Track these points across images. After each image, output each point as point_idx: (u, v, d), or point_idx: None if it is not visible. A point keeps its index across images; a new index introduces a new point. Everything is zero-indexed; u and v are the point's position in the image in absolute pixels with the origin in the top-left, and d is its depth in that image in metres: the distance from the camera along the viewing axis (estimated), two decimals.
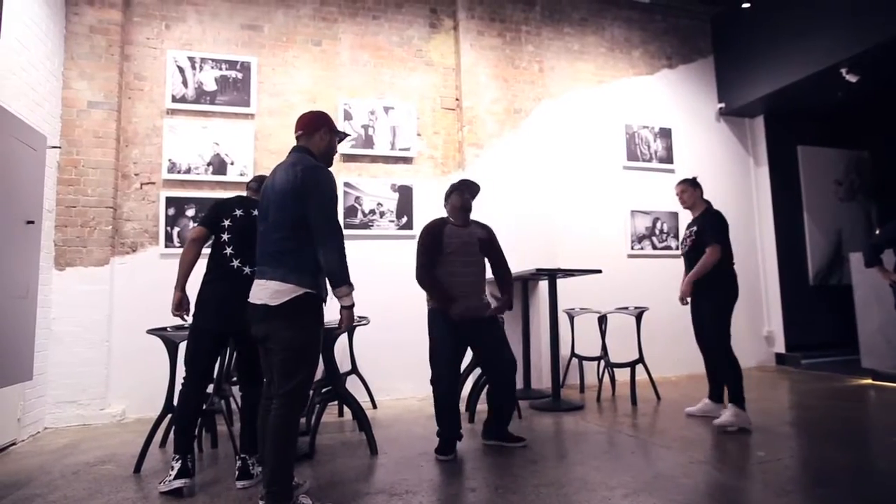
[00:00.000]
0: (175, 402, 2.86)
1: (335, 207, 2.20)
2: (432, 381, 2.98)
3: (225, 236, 2.66)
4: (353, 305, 2.19)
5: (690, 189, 3.77)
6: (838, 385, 4.84)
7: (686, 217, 4.14)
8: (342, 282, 2.12)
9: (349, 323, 2.20)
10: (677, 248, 4.07)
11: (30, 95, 3.63)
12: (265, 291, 2.13)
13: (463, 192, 3.13)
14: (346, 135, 2.50)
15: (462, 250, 3.02)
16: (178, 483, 2.40)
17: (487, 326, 3.04)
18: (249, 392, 2.66)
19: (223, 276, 2.62)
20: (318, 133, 2.33)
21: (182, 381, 2.59)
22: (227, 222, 2.68)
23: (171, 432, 3.18)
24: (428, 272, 3.00)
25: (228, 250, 2.64)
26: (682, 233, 4.52)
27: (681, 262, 3.95)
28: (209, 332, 2.59)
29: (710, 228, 3.57)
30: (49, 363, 3.85)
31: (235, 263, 2.62)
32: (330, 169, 2.28)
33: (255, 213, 2.67)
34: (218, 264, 2.65)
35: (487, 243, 3.15)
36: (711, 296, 3.55)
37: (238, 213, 2.71)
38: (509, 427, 3.15)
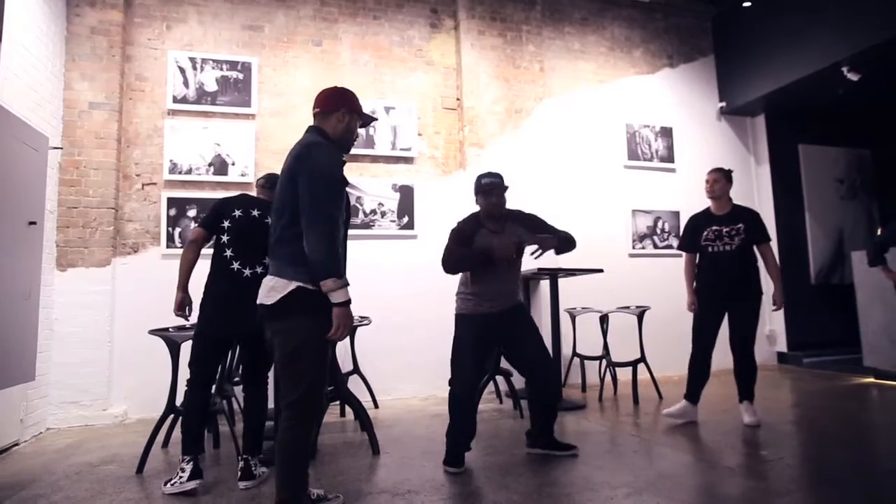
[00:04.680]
0: (177, 403, 2.88)
1: (327, 189, 1.90)
2: (449, 383, 2.79)
3: (224, 238, 2.66)
4: (346, 302, 1.87)
5: (724, 181, 3.62)
6: (840, 384, 4.84)
7: (688, 212, 4.08)
8: (327, 273, 1.83)
9: (343, 323, 1.86)
10: (677, 248, 3.98)
11: (31, 97, 3.63)
12: (263, 288, 1.97)
13: (489, 196, 2.82)
14: (372, 118, 2.27)
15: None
16: (192, 484, 2.41)
17: (519, 320, 2.83)
18: (252, 393, 2.66)
19: (225, 280, 2.62)
20: (335, 114, 2.08)
21: (186, 382, 2.60)
22: (226, 223, 2.67)
23: (175, 433, 3.20)
24: (452, 252, 2.73)
25: (228, 252, 2.64)
26: (681, 230, 4.42)
27: (680, 262, 3.89)
28: (212, 337, 2.61)
29: (763, 226, 3.55)
30: (51, 364, 3.86)
31: (235, 266, 2.62)
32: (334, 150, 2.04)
33: (255, 212, 2.69)
34: (219, 267, 2.65)
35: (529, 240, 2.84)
36: (756, 296, 3.47)
37: (237, 213, 2.69)
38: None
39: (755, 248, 3.52)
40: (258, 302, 1.99)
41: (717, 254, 3.53)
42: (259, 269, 2.59)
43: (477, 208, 2.95)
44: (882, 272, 4.31)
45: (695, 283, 3.66)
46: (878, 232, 5.85)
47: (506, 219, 2.89)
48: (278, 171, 2.15)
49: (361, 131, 4.85)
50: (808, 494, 2.28)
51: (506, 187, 2.89)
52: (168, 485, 2.45)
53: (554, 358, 4.17)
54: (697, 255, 3.67)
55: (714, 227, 3.57)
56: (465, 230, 2.82)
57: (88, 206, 4.11)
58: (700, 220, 3.68)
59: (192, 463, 2.45)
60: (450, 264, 2.74)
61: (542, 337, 2.86)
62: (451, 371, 2.80)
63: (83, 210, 4.09)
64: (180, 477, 2.43)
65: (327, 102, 2.10)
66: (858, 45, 4.71)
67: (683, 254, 3.79)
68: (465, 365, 2.77)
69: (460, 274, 2.86)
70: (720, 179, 3.60)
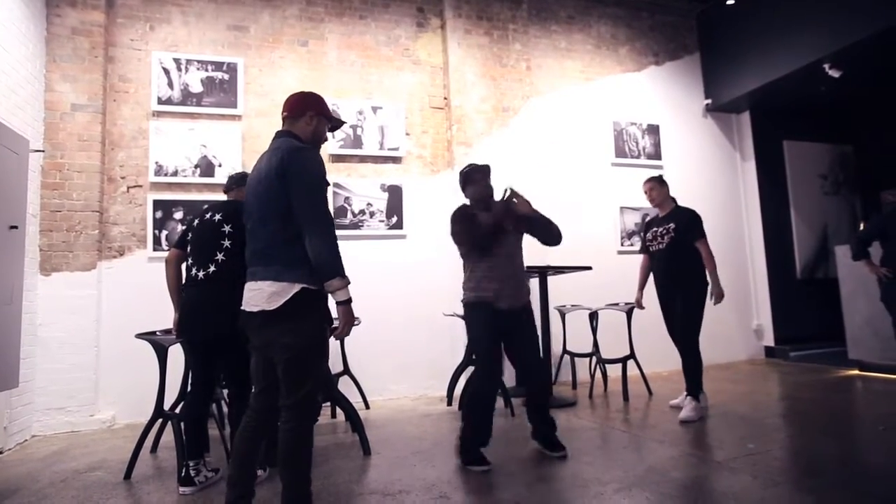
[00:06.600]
0: (165, 408, 2.90)
1: (322, 192, 1.98)
2: (473, 379, 2.84)
3: (188, 249, 2.72)
4: (349, 301, 1.92)
5: (658, 187, 3.90)
6: (826, 376, 4.90)
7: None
8: (333, 273, 1.87)
9: (349, 321, 1.93)
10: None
11: (11, 99, 3.57)
12: (259, 295, 1.92)
13: (478, 182, 2.96)
14: (340, 122, 2.30)
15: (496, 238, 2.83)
16: (214, 475, 2.56)
17: (522, 320, 2.87)
18: (236, 397, 2.65)
19: (187, 286, 2.69)
20: (302, 118, 2.13)
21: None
22: (190, 236, 2.73)
23: (163, 437, 3.18)
24: (462, 228, 2.83)
25: (190, 260, 2.70)
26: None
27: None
28: (189, 341, 2.66)
29: (693, 224, 3.69)
30: (36, 370, 3.80)
31: (193, 271, 2.65)
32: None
33: (209, 216, 2.70)
34: (186, 276, 2.72)
35: (522, 220, 2.95)
36: (688, 292, 3.62)
37: (195, 223, 2.74)
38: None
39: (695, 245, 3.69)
40: (252, 309, 1.94)
41: (654, 253, 3.87)
42: (211, 269, 2.57)
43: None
44: (865, 266, 4.38)
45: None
46: (861, 227, 5.95)
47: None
48: None
49: (349, 131, 4.84)
50: (796, 486, 2.31)
51: (489, 168, 3.02)
52: (187, 487, 2.47)
53: (544, 355, 4.20)
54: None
55: (653, 229, 3.89)
56: (463, 211, 2.91)
57: (72, 209, 4.05)
58: (649, 224, 4.00)
59: (200, 462, 2.53)
60: (463, 238, 2.84)
61: (538, 341, 2.96)
62: (476, 365, 2.87)
63: (67, 213, 4.03)
64: (199, 476, 2.50)
65: (295, 107, 2.14)
66: (839, 43, 4.77)
67: None
68: (482, 353, 2.82)
69: (464, 270, 2.95)
70: (654, 187, 3.90)
